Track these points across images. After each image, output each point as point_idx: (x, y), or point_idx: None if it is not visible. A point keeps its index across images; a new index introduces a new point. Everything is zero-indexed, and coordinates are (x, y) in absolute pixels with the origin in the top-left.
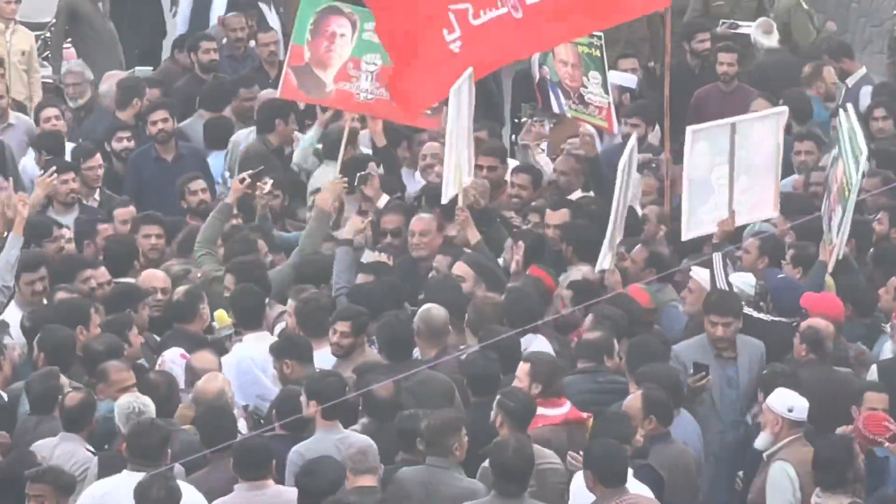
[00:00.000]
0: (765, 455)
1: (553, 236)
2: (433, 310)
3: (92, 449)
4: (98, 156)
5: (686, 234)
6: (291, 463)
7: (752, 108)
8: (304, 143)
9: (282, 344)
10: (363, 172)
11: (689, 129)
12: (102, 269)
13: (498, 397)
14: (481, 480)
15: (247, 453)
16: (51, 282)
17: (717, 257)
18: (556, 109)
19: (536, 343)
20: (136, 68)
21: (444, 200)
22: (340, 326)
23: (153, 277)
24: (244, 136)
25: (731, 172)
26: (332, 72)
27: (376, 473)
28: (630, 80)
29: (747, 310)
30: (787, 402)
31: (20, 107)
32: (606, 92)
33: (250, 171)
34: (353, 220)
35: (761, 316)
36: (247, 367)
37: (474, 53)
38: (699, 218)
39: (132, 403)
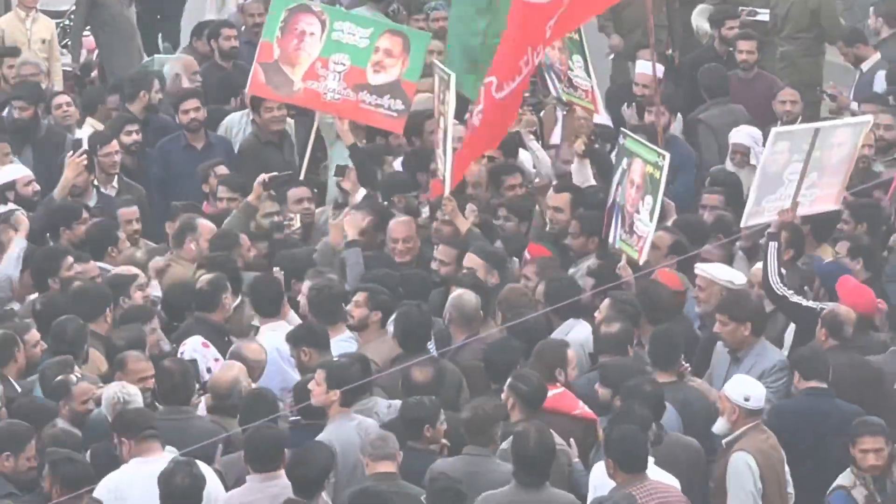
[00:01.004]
0: (724, 442)
1: (554, 218)
2: (465, 295)
3: None
4: (115, 143)
5: (746, 222)
6: None
7: (780, 97)
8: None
9: (299, 332)
10: (341, 164)
11: (773, 130)
12: (92, 263)
13: (510, 381)
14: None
15: (258, 444)
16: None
17: (771, 246)
18: (554, 93)
19: (578, 328)
20: (156, 56)
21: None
22: (357, 296)
23: (127, 267)
24: (237, 120)
25: (804, 169)
26: (300, 70)
27: (395, 460)
28: (658, 69)
29: (796, 299)
30: (743, 391)
31: None
32: (589, 75)
33: (275, 175)
34: (353, 218)
35: (810, 304)
36: (271, 358)
37: (489, 128)
38: (762, 207)
39: (117, 393)
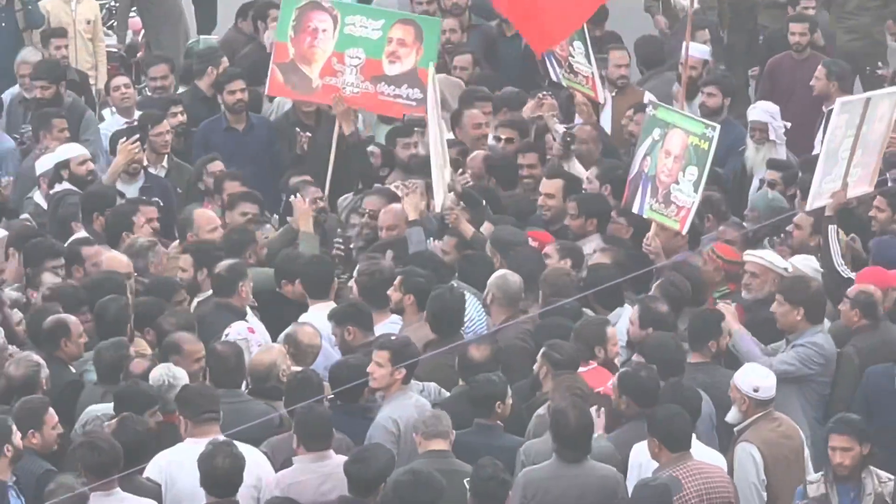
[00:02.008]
0: (735, 430)
1: (545, 204)
2: (508, 276)
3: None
4: (166, 122)
5: (810, 205)
6: (382, 428)
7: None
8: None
9: (343, 310)
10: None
11: (838, 100)
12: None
13: (543, 349)
14: (535, 430)
15: (309, 424)
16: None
17: (831, 230)
18: (554, 79)
19: (627, 315)
20: (201, 37)
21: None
22: (396, 280)
23: (118, 262)
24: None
25: (853, 145)
26: (316, 67)
27: (448, 438)
28: (704, 50)
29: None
30: (752, 381)
31: (84, 76)
32: (590, 62)
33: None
34: (411, 199)
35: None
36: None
37: None
38: (821, 189)
39: (163, 375)
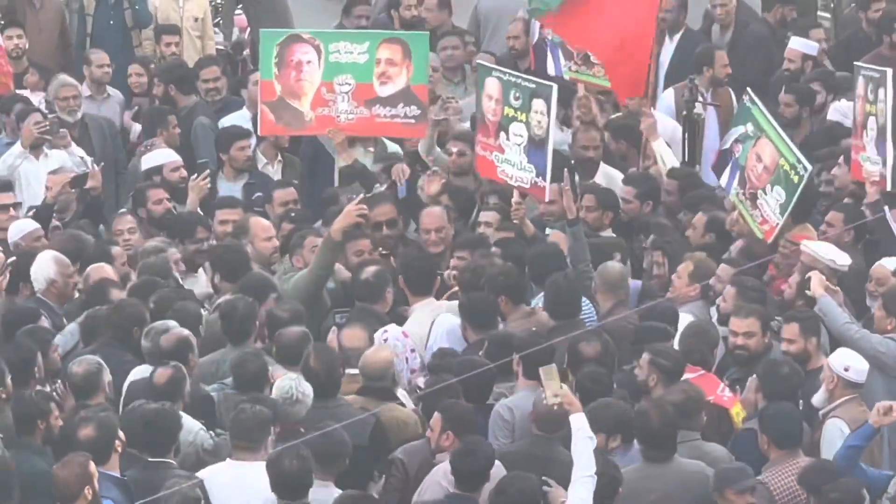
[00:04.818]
0: (820, 413)
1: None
2: (609, 265)
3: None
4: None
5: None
6: (500, 417)
7: None
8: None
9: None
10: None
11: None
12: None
13: (649, 356)
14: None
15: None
16: None
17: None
18: (550, 71)
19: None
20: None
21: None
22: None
23: (103, 271)
24: None
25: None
26: (306, 100)
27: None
28: (812, 46)
29: None
30: (844, 361)
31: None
32: None
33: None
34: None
35: None
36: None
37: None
38: None
39: (292, 389)
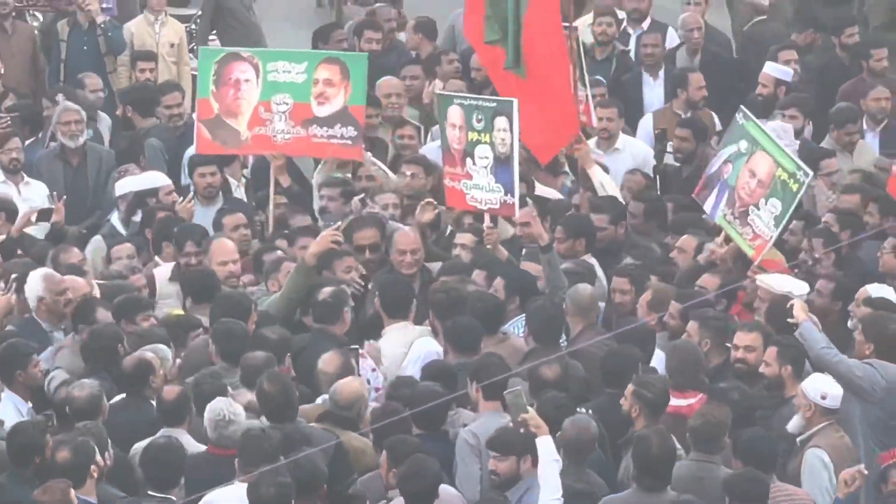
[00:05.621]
0: (798, 440)
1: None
2: (580, 287)
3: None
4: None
5: None
6: (465, 443)
7: (872, 95)
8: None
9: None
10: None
11: None
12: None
13: (633, 388)
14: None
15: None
16: None
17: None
18: None
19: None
20: None
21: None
22: None
23: (79, 284)
24: None
25: None
26: (243, 119)
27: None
28: (786, 72)
29: None
30: (821, 388)
31: None
32: (584, 85)
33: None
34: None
35: None
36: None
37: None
38: None
39: (223, 409)
